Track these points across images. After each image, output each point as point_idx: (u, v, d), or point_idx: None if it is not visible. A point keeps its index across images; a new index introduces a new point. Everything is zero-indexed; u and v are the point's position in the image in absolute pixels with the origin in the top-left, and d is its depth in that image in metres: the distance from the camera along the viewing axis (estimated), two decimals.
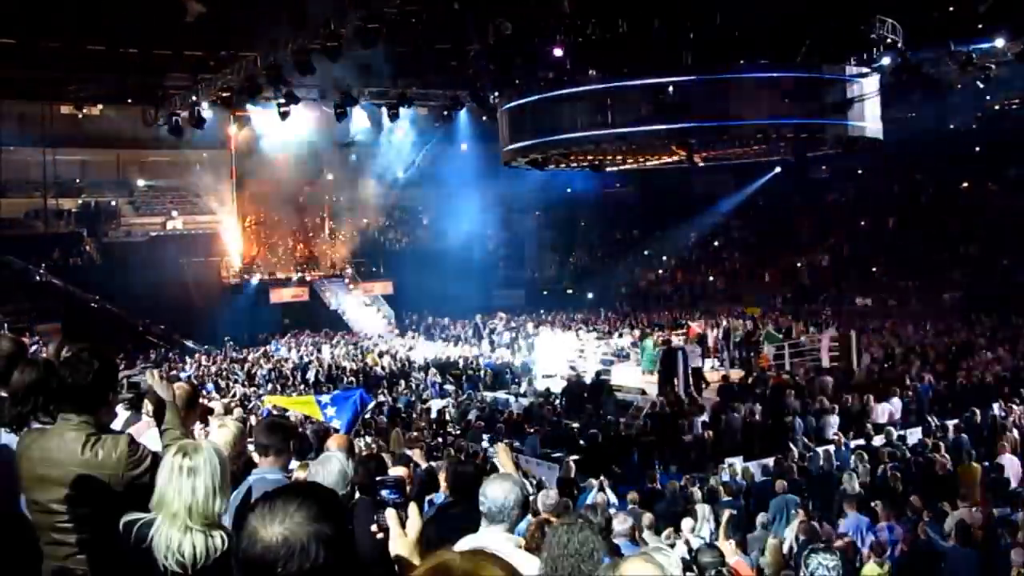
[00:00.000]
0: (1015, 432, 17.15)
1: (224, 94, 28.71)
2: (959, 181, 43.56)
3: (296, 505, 2.14)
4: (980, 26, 24.11)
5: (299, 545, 2.09)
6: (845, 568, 5.63)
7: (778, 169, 42.36)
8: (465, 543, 4.14)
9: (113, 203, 43.03)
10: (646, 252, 49.24)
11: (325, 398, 14.23)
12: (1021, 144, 40.45)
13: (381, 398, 24.36)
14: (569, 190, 47.12)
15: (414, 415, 22.12)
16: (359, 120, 34.27)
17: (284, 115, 28.99)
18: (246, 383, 26.83)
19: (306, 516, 2.13)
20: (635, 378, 25.35)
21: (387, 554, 3.00)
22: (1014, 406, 19.13)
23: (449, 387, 26.59)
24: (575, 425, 20.81)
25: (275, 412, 17.16)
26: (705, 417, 20.06)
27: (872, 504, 12.82)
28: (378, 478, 3.71)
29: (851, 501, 12.92)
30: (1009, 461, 15.38)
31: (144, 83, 32.78)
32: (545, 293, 45.84)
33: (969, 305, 35.27)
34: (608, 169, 29.52)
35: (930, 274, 38.89)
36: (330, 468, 4.67)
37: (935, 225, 42.02)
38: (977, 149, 43.67)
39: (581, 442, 18.93)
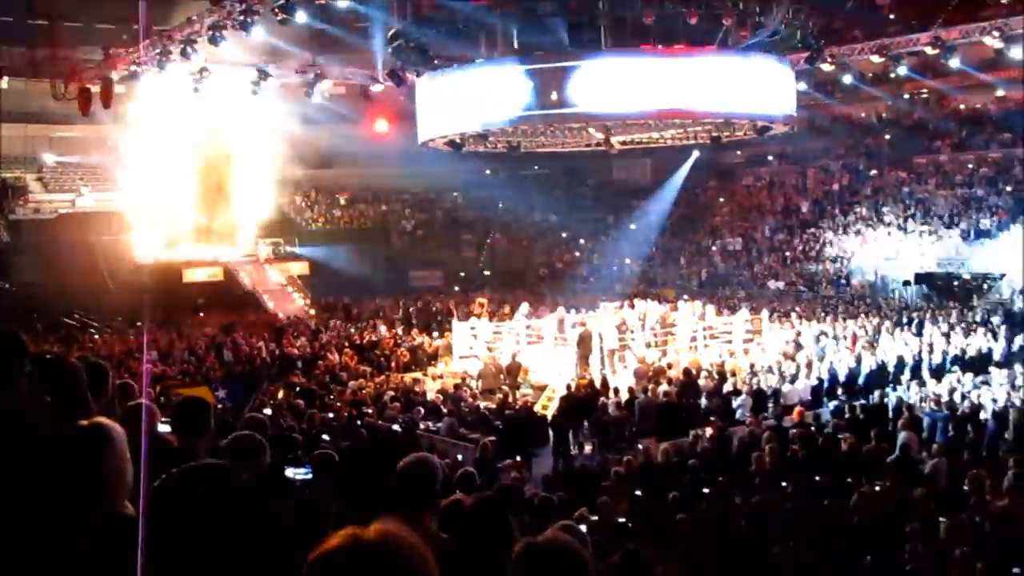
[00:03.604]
0: (912, 412, 17.70)
1: (136, 68, 28.01)
2: (870, 168, 44.56)
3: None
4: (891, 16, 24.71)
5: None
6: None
7: (697, 153, 42.87)
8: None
9: (21, 180, 41.68)
10: (564, 235, 49.45)
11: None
12: (928, 131, 41.69)
13: (296, 379, 24.16)
14: (488, 171, 47.10)
15: (330, 396, 21.92)
16: (274, 96, 33.74)
17: (197, 90, 28.41)
18: (158, 363, 26.30)
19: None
20: (551, 359, 25.46)
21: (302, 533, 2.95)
22: (915, 385, 19.72)
23: (366, 368, 26.41)
24: (491, 406, 20.84)
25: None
26: (620, 398, 20.23)
27: (782, 484, 13.07)
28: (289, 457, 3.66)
29: (762, 480, 13.15)
30: (906, 438, 15.86)
31: (54, 56, 31.80)
32: (463, 275, 45.79)
33: (877, 290, 36.19)
34: (525, 151, 29.55)
35: (840, 260, 39.77)
36: None
37: (845, 211, 43.00)
38: (888, 137, 44.83)
39: (497, 423, 18.96)
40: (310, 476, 3.31)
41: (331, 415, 18.75)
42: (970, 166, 41.08)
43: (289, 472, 3.33)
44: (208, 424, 5.09)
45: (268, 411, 17.77)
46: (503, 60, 24.49)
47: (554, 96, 22.82)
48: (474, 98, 23.93)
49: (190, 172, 40.48)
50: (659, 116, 24.80)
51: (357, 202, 47.60)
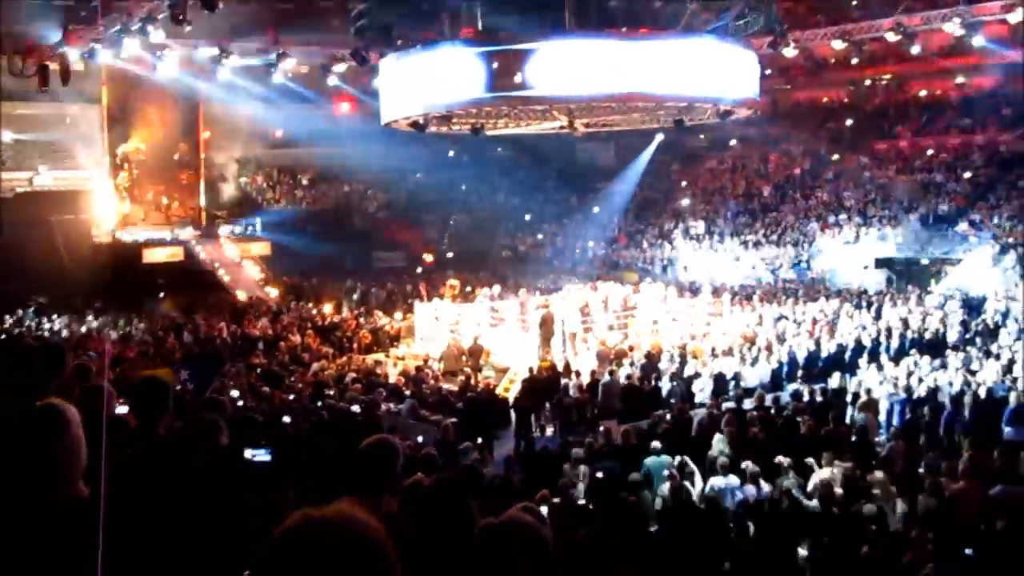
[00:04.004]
0: (870, 395, 17.94)
1: (96, 45, 27.61)
2: (832, 153, 44.87)
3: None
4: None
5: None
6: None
7: (661, 137, 42.94)
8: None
9: None
10: (527, 217, 49.40)
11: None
12: (888, 117, 42.06)
13: (257, 361, 24.05)
14: (451, 153, 46.93)
15: (291, 378, 21.83)
16: (237, 75, 33.37)
17: (156, 67, 28.06)
18: (117, 344, 26.06)
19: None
20: (513, 342, 25.52)
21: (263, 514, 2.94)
22: (873, 368, 19.95)
23: (328, 350, 26.33)
24: (453, 388, 20.86)
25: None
26: (582, 381, 20.30)
27: (741, 465, 13.19)
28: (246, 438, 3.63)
29: (721, 462, 13.26)
30: (863, 420, 16.08)
31: (11, 32, 31.19)
32: (425, 256, 45.64)
33: (837, 274, 36.52)
34: (489, 133, 29.45)
35: (802, 244, 40.05)
36: None
37: (808, 195, 43.30)
38: (849, 122, 45.16)
39: (459, 405, 18.98)
40: (269, 458, 3.28)
41: (292, 396, 18.69)
42: (930, 152, 41.49)
43: (248, 453, 3.30)
44: (166, 405, 5.04)
45: (235, 393, 17.73)
46: (462, 42, 24.36)
47: (513, 79, 22.69)
48: (434, 80, 23.79)
49: (151, 150, 39.99)
50: (621, 100, 24.76)
51: (319, 182, 47.27)
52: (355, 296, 35.01)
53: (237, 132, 42.21)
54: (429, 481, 3.99)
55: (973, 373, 19.47)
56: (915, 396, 17.84)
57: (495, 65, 22.79)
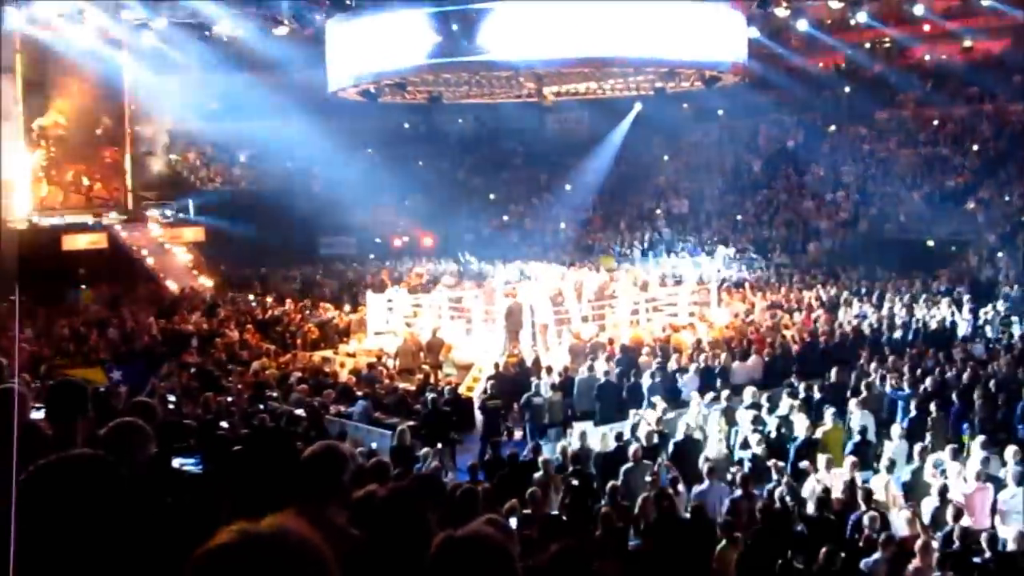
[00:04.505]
0: (872, 391, 18.07)
1: (8, 6, 27.32)
2: (828, 124, 45.12)
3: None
4: None
5: None
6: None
7: (639, 106, 42.99)
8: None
9: None
10: (492, 196, 49.38)
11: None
12: (889, 85, 42.32)
13: (191, 359, 23.88)
14: (406, 125, 46.78)
15: (229, 378, 21.70)
16: (167, 40, 33.10)
17: (74, 31, 27.77)
18: (34, 342, 25.79)
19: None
20: (477, 335, 25.51)
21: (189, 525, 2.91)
22: (874, 364, 20.07)
23: (270, 346, 26.20)
24: (410, 388, 20.81)
25: None
26: (554, 378, 20.30)
27: (731, 470, 13.26)
28: (176, 446, 3.59)
29: (709, 467, 13.32)
30: (864, 419, 16.19)
31: None
32: (378, 241, 45.52)
33: (835, 258, 36.72)
34: (448, 102, 29.42)
35: (796, 224, 40.27)
36: None
37: (802, 171, 43.52)
38: (847, 90, 45.41)
39: (417, 407, 18.94)
40: (201, 467, 3.24)
41: (229, 399, 18.56)
42: (935, 123, 41.78)
43: (177, 462, 3.25)
44: (85, 409, 4.98)
45: (172, 396, 17.65)
46: (411, 2, 24.24)
47: (466, 42, 22.61)
48: (384, 44, 23.69)
49: (71, 124, 39.53)
50: (593, 65, 24.76)
51: (259, 159, 46.94)
52: (295, 285, 34.87)
53: (167, 104, 41.79)
54: (383, 492, 3.95)
55: (984, 366, 19.64)
56: (921, 391, 17.96)
57: (449, 27, 22.71)
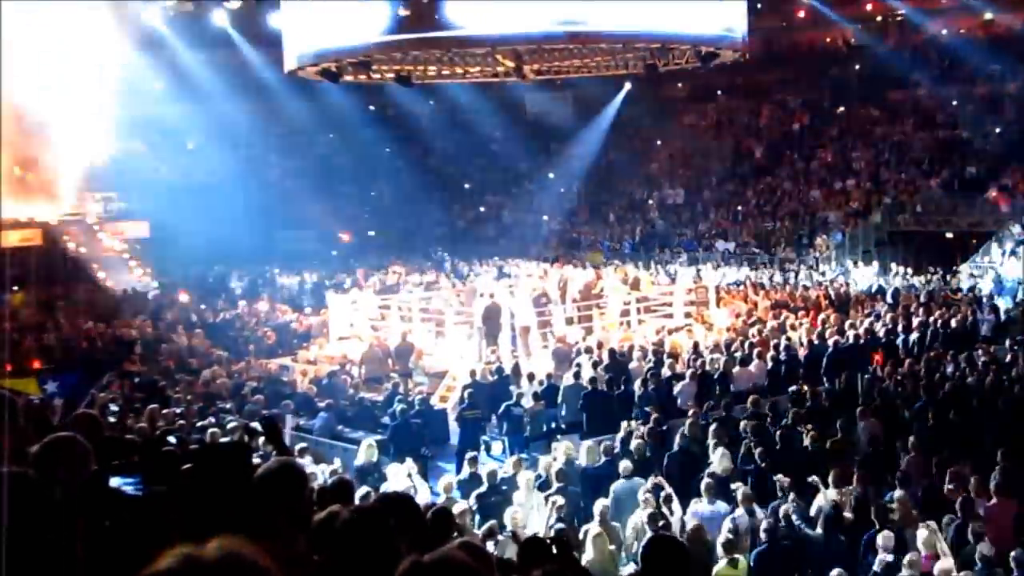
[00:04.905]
0: (885, 397, 18.14)
1: None
2: (836, 105, 45.23)
3: None
4: None
5: None
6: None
7: (629, 86, 43.02)
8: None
9: None
10: (466, 186, 49.34)
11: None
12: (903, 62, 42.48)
13: (134, 368, 23.81)
14: (371, 107, 46.68)
15: (176, 388, 21.64)
16: (106, 17, 32.94)
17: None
18: None
19: None
20: (451, 339, 25.50)
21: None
22: (888, 369, 20.14)
23: (221, 353, 26.12)
24: (377, 398, 20.79)
25: None
26: (536, 386, 20.30)
27: (731, 486, 13.28)
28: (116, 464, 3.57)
29: (707, 484, 13.32)
30: (876, 429, 16.24)
31: None
32: (341, 235, 45.46)
33: (845, 252, 36.85)
34: (418, 83, 29.36)
35: (802, 216, 40.39)
36: None
37: (809, 156, 43.63)
38: (857, 68, 45.57)
39: (385, 419, 18.91)
40: (143, 488, 3.23)
41: (177, 411, 18.50)
42: (953, 103, 41.94)
43: (115, 482, 3.23)
44: (14, 424, 4.96)
45: (113, 409, 17.56)
46: None
47: (436, 15, 22.58)
48: (343, 17, 23.64)
49: None
50: (575, 41, 24.70)
51: (210, 146, 46.77)
52: (242, 284, 34.81)
53: (108, 85, 41.58)
54: (346, 513, 3.94)
55: (1008, 370, 19.73)
56: (939, 398, 18.03)
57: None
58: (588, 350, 22.64)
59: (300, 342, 27.89)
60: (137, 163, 45.34)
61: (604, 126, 46.46)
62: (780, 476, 13.39)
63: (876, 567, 10.77)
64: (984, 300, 26.77)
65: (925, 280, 30.52)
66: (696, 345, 23.45)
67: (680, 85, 48.40)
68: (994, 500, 12.42)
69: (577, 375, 20.32)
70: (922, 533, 11.49)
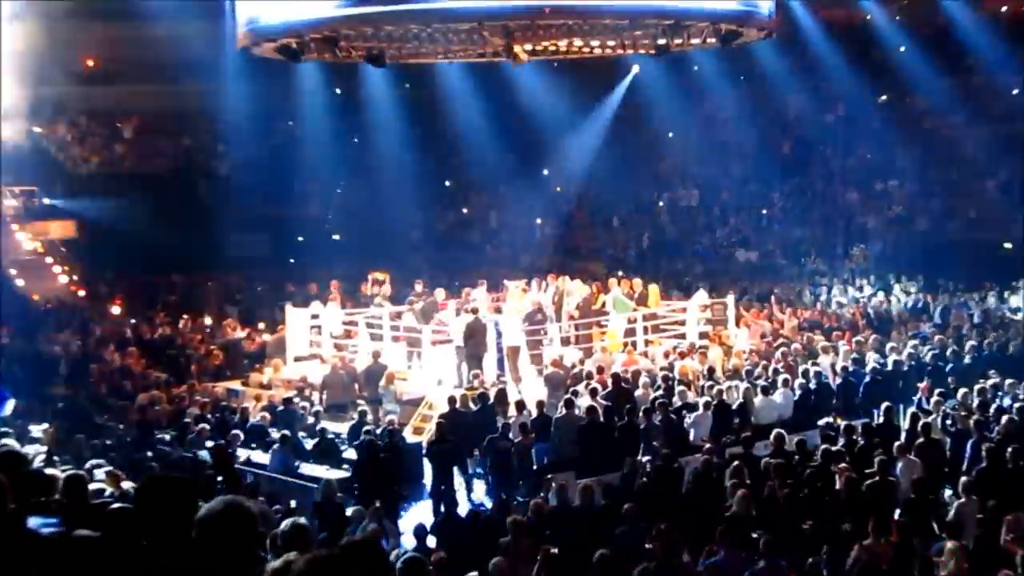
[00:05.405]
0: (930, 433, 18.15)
1: None
2: (881, 93, 45.15)
3: None
4: None
5: None
6: None
7: (636, 69, 43.00)
8: None
9: None
10: (447, 183, 49.36)
11: None
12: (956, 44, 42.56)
13: (61, 391, 23.80)
14: (337, 91, 46.69)
15: (107, 415, 21.65)
16: None
17: None
18: None
19: None
20: (428, 361, 25.49)
21: None
22: (935, 399, 20.15)
23: (160, 375, 26.12)
24: (341, 429, 20.78)
25: None
26: (526, 417, 20.30)
27: (752, 534, 13.27)
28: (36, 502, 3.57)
29: (724, 530, 13.31)
30: (921, 469, 16.26)
31: None
32: (301, 240, 45.42)
33: (886, 264, 36.84)
34: (391, 63, 29.38)
35: (836, 222, 40.43)
36: None
37: (845, 153, 43.66)
38: (902, 49, 45.62)
39: (349, 453, 18.91)
40: (62, 529, 3.21)
41: (108, 442, 18.51)
42: (1015, 92, 41.98)
43: (34, 522, 3.22)
44: None
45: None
46: None
47: None
48: None
49: None
50: (572, 16, 24.76)
51: (149, 134, 46.75)
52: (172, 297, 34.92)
53: (26, 61, 41.57)
54: (302, 562, 3.93)
55: None
56: (993, 434, 18.06)
57: None
58: (587, 375, 22.67)
59: (252, 363, 27.87)
60: (64, 150, 45.28)
61: (607, 115, 46.42)
62: (809, 523, 13.40)
63: None
64: None
65: (979, 298, 30.59)
66: (712, 370, 23.48)
67: (695, 68, 48.40)
68: None
69: (572, 403, 20.28)
70: None
